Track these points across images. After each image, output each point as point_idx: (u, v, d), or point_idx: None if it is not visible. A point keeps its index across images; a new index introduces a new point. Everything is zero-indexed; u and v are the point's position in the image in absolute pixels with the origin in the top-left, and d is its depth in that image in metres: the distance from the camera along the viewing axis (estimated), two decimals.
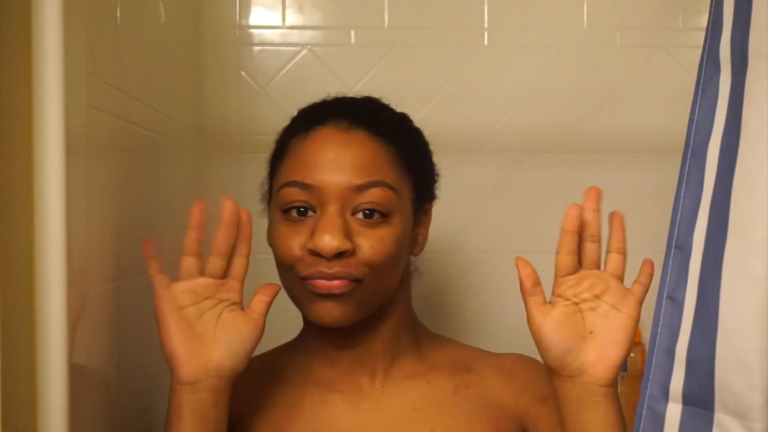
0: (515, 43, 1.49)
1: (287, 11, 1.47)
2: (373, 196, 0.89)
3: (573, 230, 0.86)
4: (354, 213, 0.89)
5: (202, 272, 0.87)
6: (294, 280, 0.91)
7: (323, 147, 0.91)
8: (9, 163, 0.65)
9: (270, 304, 0.89)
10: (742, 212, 0.81)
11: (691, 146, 0.88)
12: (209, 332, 0.85)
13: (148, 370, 1.07)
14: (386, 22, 1.47)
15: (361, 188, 0.88)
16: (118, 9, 0.94)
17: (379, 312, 0.95)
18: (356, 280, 0.88)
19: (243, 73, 1.46)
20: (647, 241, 1.48)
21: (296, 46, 1.47)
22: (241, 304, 0.88)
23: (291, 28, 1.47)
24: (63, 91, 0.69)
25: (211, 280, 0.87)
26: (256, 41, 1.46)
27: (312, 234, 0.88)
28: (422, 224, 0.99)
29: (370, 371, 0.97)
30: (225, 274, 0.88)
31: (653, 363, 0.88)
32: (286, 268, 0.92)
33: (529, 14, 1.49)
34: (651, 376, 0.88)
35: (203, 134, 1.44)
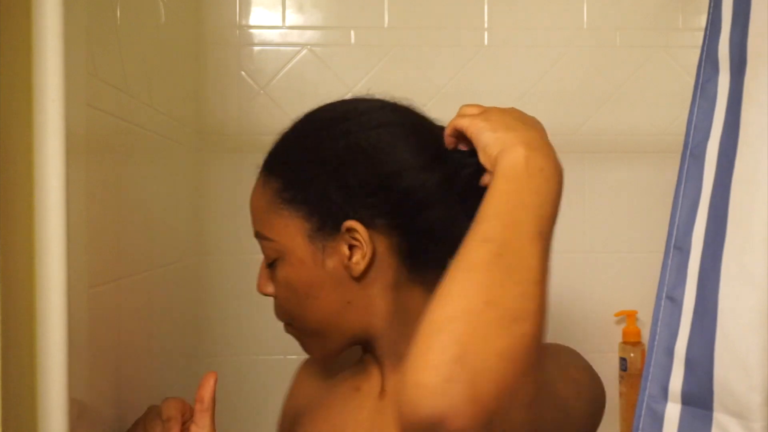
0: (515, 43, 1.49)
1: (287, 11, 1.47)
2: (263, 247, 0.92)
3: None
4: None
5: None
6: None
7: None
8: (9, 163, 0.65)
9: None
10: (741, 212, 0.81)
11: (689, 146, 0.88)
12: None
13: (148, 380, 1.07)
14: (386, 22, 1.47)
15: (256, 237, 0.93)
16: (118, 9, 0.94)
17: (358, 342, 0.94)
18: (289, 324, 0.94)
19: (243, 73, 1.46)
20: (648, 240, 1.49)
21: (296, 46, 1.47)
22: None
23: (291, 28, 1.47)
24: (63, 90, 0.69)
25: None
26: (256, 41, 1.46)
27: None
28: (351, 245, 0.88)
29: (381, 373, 0.95)
30: None
31: (652, 362, 0.87)
32: None
33: (530, 14, 1.50)
34: (650, 376, 0.87)
35: (203, 134, 1.45)
